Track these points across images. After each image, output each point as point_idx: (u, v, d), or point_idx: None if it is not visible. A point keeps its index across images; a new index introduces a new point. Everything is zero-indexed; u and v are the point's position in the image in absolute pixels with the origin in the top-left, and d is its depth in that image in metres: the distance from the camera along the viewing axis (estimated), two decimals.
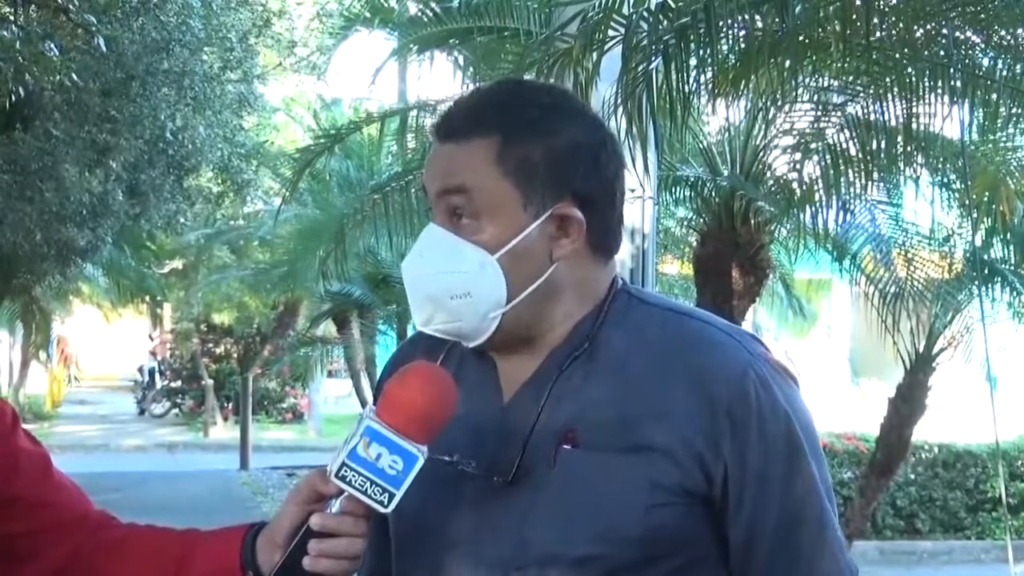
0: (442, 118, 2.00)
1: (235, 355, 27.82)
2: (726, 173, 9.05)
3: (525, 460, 1.89)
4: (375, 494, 1.83)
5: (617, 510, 1.84)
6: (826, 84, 6.56)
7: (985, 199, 8.15)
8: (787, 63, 5.64)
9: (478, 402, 1.98)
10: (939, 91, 5.90)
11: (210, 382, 26.57)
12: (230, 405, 27.50)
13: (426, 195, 1.99)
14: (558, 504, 1.86)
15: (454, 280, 1.90)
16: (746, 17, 5.28)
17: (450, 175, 1.92)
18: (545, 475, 1.88)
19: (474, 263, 1.89)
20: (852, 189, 7.25)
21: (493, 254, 1.89)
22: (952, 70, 5.78)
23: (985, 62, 6.03)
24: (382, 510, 1.84)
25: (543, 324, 1.95)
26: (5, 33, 8.25)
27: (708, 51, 5.17)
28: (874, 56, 5.81)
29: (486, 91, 2.10)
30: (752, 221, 8.61)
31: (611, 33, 5.17)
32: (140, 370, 32.25)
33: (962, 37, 5.80)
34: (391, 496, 1.83)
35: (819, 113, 6.83)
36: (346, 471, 1.84)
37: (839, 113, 6.73)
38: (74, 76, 9.09)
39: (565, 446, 1.88)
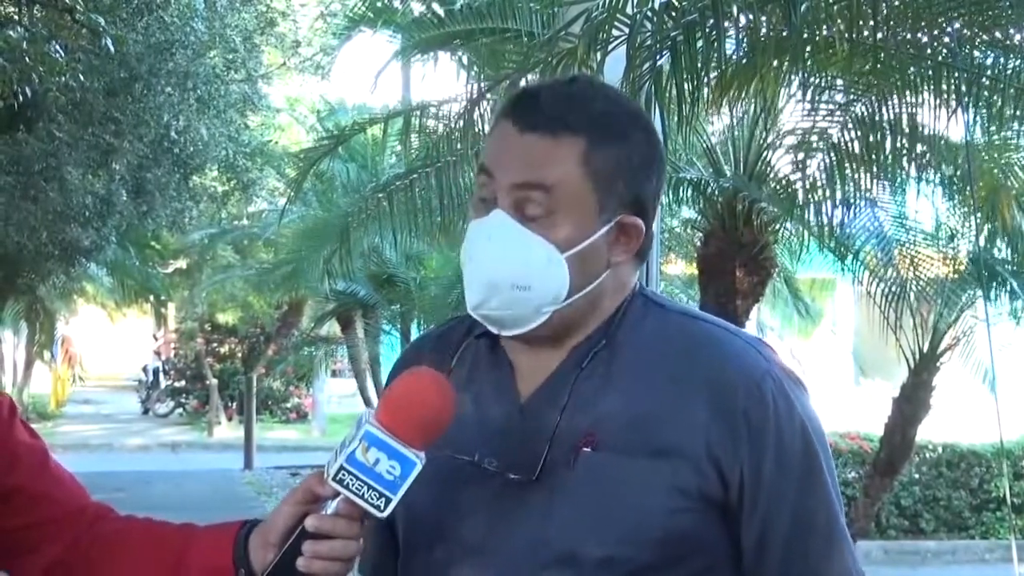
0: (523, 105, 1.95)
1: (239, 355, 27.83)
2: (729, 173, 9.06)
3: (546, 460, 1.89)
4: (372, 499, 1.83)
5: (638, 513, 1.85)
6: (830, 83, 6.56)
7: (988, 199, 8.16)
8: (791, 62, 5.65)
9: (495, 402, 1.98)
10: (943, 91, 5.90)
11: (214, 382, 26.56)
12: (234, 405, 27.50)
13: (483, 175, 1.94)
14: (578, 506, 1.86)
15: (520, 271, 1.88)
16: (751, 16, 5.28)
17: (533, 169, 1.89)
18: (564, 476, 1.88)
19: (543, 258, 1.88)
20: (856, 188, 7.25)
21: (562, 253, 1.88)
22: (955, 70, 5.78)
23: (989, 62, 6.03)
24: (379, 515, 1.84)
25: (582, 322, 1.95)
26: (11, 33, 8.26)
27: (713, 50, 5.17)
28: (879, 56, 5.81)
29: (570, 87, 2.03)
30: (755, 221, 8.61)
31: (615, 32, 5.17)
32: (144, 370, 32.26)
33: (968, 34, 5.80)
34: (388, 501, 1.83)
35: (823, 112, 6.83)
36: (344, 475, 1.83)
37: (843, 112, 6.74)
38: (80, 76, 9.10)
39: (585, 448, 1.88)
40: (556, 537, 1.87)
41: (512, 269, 1.89)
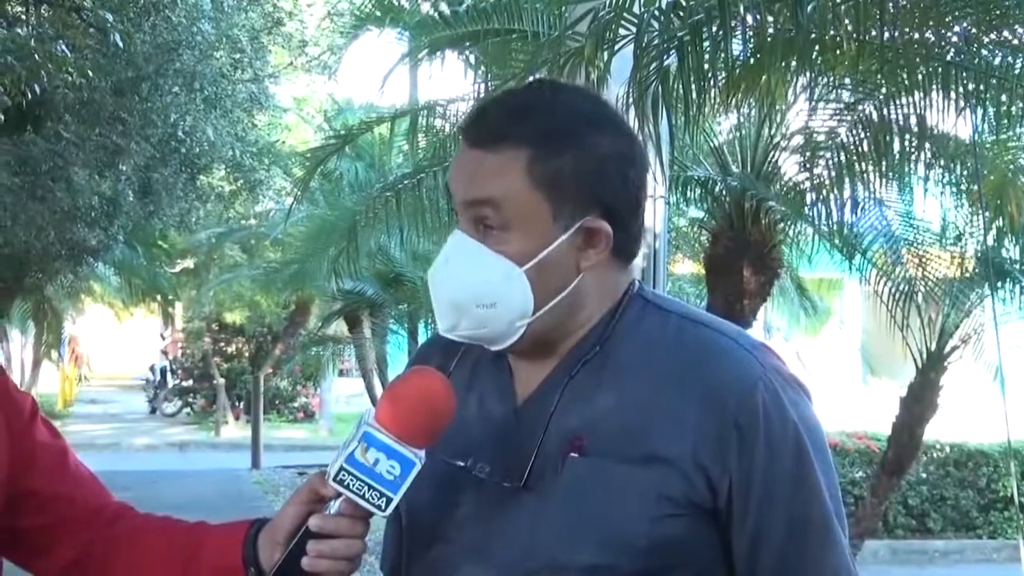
0: (471, 119, 1.96)
1: (246, 354, 27.87)
2: (737, 172, 9.06)
3: (535, 466, 1.88)
4: (372, 498, 1.84)
5: (624, 520, 1.83)
6: (838, 83, 6.56)
7: (997, 199, 8.14)
8: (799, 62, 5.65)
9: (493, 406, 1.99)
10: (951, 90, 5.89)
11: (221, 381, 26.61)
12: (241, 404, 27.54)
13: (449, 195, 1.96)
14: (565, 512, 1.86)
15: (480, 290, 1.89)
16: (758, 16, 5.28)
17: (478, 185, 1.89)
18: (552, 483, 1.87)
19: (501, 274, 1.88)
20: (863, 188, 7.25)
21: (521, 266, 1.87)
22: (963, 69, 5.77)
23: (997, 61, 6.02)
24: (380, 514, 1.86)
25: (567, 329, 1.94)
26: (19, 31, 8.26)
27: (721, 49, 5.16)
28: (886, 55, 5.80)
29: (519, 95, 2.05)
30: (763, 220, 8.61)
31: (622, 32, 5.17)
32: (151, 369, 32.32)
33: (976, 33, 5.79)
34: (388, 500, 1.85)
35: (831, 112, 6.83)
36: (344, 475, 1.85)
37: (850, 112, 6.74)
38: (89, 73, 9.10)
39: (572, 454, 1.87)
40: (544, 544, 1.86)
41: (473, 289, 1.89)
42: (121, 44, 8.97)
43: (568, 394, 1.91)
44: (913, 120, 6.44)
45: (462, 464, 1.94)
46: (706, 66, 5.31)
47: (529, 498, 1.88)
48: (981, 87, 5.83)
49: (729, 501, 1.84)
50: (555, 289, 1.90)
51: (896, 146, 6.79)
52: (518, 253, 1.88)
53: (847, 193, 7.32)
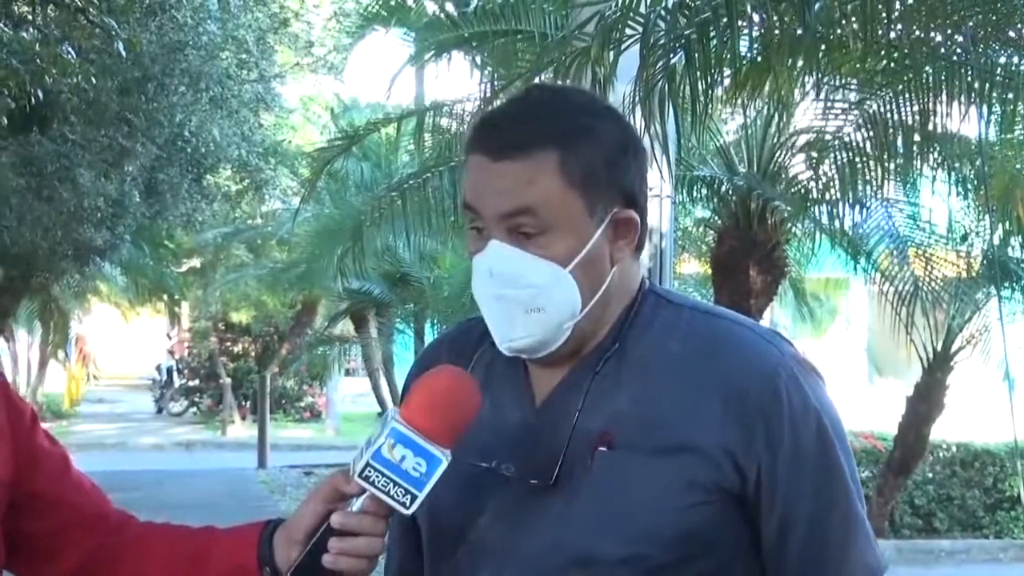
0: (487, 134, 1.94)
1: (253, 354, 27.89)
2: (743, 172, 9.06)
3: (563, 463, 1.89)
4: (398, 495, 1.83)
5: (654, 511, 1.85)
6: (844, 82, 6.56)
7: (1002, 198, 8.14)
8: (805, 61, 5.65)
9: (510, 407, 1.99)
10: (956, 90, 5.89)
11: (228, 381, 26.61)
12: (248, 404, 27.54)
13: (469, 212, 1.94)
14: (596, 506, 1.87)
15: (528, 295, 1.88)
16: (765, 15, 5.28)
17: (515, 196, 1.88)
18: (581, 478, 1.88)
19: (548, 277, 1.88)
20: (869, 187, 7.25)
21: (565, 267, 1.88)
22: (969, 69, 5.77)
23: (1003, 60, 6.02)
24: (404, 511, 1.85)
25: (597, 326, 1.95)
26: (24, 34, 8.28)
27: (727, 48, 5.17)
28: (892, 54, 5.80)
29: (525, 102, 2.03)
30: (769, 220, 8.61)
31: (628, 32, 5.18)
32: (158, 369, 32.36)
33: (982, 32, 5.79)
34: (413, 498, 1.84)
35: (837, 111, 6.83)
36: (370, 471, 1.84)
37: (856, 111, 6.73)
38: (92, 79, 9.11)
39: (601, 448, 1.88)
40: (574, 539, 1.87)
41: (522, 297, 1.89)
42: (124, 53, 8.97)
43: (592, 391, 1.92)
44: (919, 119, 6.44)
45: (486, 465, 1.94)
46: (713, 65, 5.31)
47: (557, 496, 1.89)
48: (987, 86, 5.83)
49: (757, 489, 1.86)
50: (597, 285, 1.91)
51: (902, 146, 6.79)
52: (562, 255, 1.88)
53: (852, 193, 7.31)
